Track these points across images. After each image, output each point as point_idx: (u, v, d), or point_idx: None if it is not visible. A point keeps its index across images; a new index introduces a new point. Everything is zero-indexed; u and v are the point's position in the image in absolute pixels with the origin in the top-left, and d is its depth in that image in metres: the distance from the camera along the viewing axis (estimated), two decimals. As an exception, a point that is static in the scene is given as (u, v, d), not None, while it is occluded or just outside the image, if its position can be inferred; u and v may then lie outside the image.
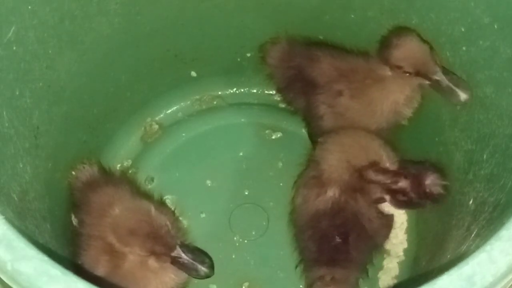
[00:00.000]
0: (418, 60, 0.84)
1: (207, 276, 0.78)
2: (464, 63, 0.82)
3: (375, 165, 0.84)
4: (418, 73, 0.85)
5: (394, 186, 0.83)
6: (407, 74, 0.85)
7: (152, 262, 0.77)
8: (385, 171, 0.84)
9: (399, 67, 0.86)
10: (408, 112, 0.90)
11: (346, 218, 0.84)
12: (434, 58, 0.84)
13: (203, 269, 0.77)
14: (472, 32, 0.79)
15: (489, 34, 0.76)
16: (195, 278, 0.79)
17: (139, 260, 0.77)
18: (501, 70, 0.75)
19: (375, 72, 0.88)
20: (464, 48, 0.81)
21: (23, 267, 0.51)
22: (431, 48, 0.84)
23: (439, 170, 0.84)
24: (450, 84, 0.82)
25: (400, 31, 0.87)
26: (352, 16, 0.93)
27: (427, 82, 0.85)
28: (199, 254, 0.78)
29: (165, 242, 0.75)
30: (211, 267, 0.78)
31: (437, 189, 0.83)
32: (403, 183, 0.83)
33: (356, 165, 0.85)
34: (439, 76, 0.83)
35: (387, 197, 0.85)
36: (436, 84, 0.84)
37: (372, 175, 0.84)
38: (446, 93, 0.82)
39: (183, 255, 0.76)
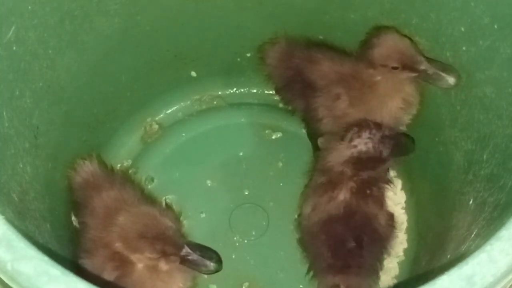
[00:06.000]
0: (402, 53, 0.85)
1: (217, 270, 0.80)
2: (464, 63, 0.82)
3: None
4: (404, 67, 0.85)
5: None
6: (394, 70, 0.86)
7: (162, 264, 0.78)
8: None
9: (384, 65, 0.86)
10: (407, 118, 0.90)
11: (358, 221, 0.85)
12: (417, 49, 0.85)
13: (212, 264, 0.79)
14: (472, 32, 0.79)
15: (489, 34, 0.76)
16: (205, 273, 0.81)
17: (148, 267, 0.78)
18: (501, 70, 0.75)
19: (368, 80, 0.88)
20: (464, 48, 0.81)
21: (23, 267, 0.51)
22: (411, 40, 0.85)
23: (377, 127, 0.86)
24: (437, 71, 0.83)
25: (378, 30, 0.88)
26: (352, 16, 0.93)
27: (414, 74, 0.85)
28: (206, 250, 0.80)
29: (174, 242, 0.77)
30: (220, 261, 0.80)
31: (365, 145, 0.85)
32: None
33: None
34: (425, 66, 0.84)
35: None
36: (423, 74, 0.84)
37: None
38: (435, 81, 0.84)
39: (191, 252, 0.78)
